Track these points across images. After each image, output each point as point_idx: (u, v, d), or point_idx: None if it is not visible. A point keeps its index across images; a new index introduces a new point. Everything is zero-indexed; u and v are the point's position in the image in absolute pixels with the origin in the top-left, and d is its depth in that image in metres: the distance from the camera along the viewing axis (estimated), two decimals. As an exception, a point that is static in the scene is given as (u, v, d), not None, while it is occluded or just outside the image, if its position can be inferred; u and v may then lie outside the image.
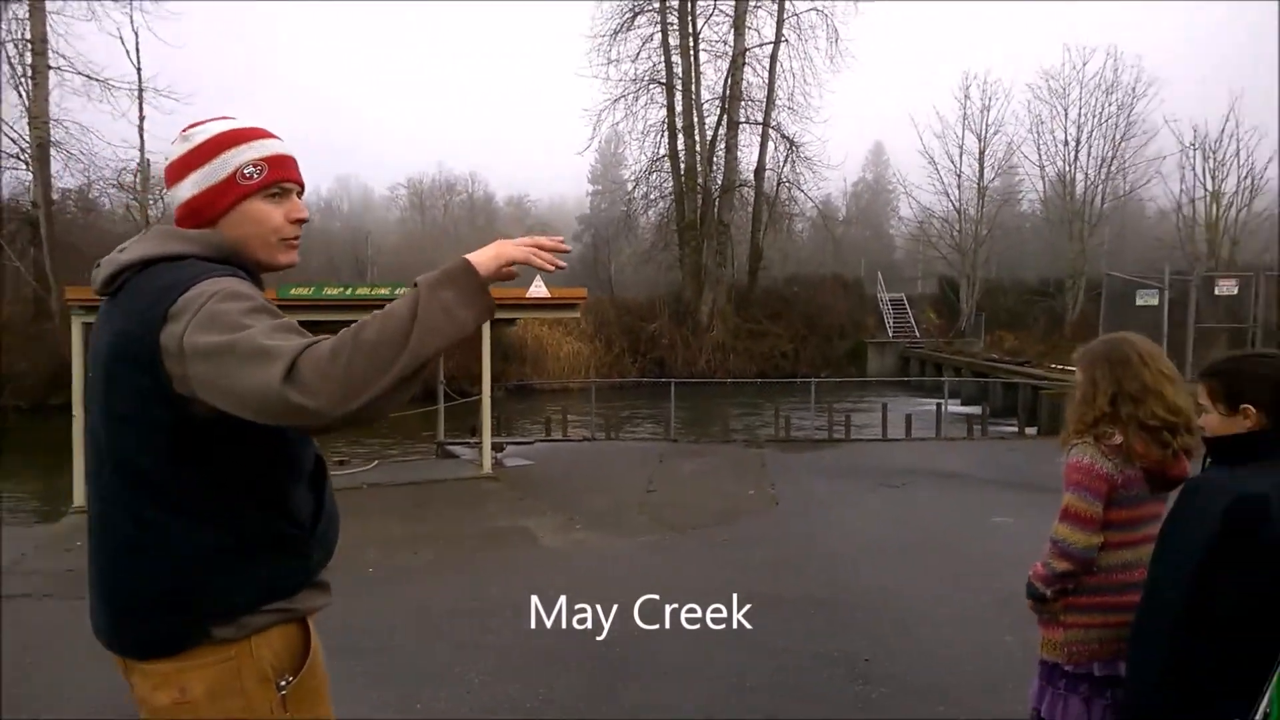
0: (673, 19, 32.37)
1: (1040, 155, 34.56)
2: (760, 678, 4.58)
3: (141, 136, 26.15)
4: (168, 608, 1.63)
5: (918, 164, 38.68)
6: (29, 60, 23.89)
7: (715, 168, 32.79)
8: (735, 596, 6.03)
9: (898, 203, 44.05)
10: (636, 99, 32.87)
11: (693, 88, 32.50)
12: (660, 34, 32.52)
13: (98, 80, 24.75)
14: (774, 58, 32.74)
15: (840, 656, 4.86)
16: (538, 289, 11.45)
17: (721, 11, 32.57)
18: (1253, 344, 16.68)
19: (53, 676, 4.82)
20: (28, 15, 23.78)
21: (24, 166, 24.71)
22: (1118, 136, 32.66)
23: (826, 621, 5.50)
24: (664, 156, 33.35)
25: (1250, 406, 2.28)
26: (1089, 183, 33.36)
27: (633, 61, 32.54)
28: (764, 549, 7.58)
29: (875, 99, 69.43)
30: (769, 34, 32.82)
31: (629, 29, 32.35)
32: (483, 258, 1.52)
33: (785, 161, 33.25)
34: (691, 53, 32.46)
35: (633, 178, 34.93)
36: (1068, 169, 33.68)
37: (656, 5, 32.30)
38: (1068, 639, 2.67)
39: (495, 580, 6.66)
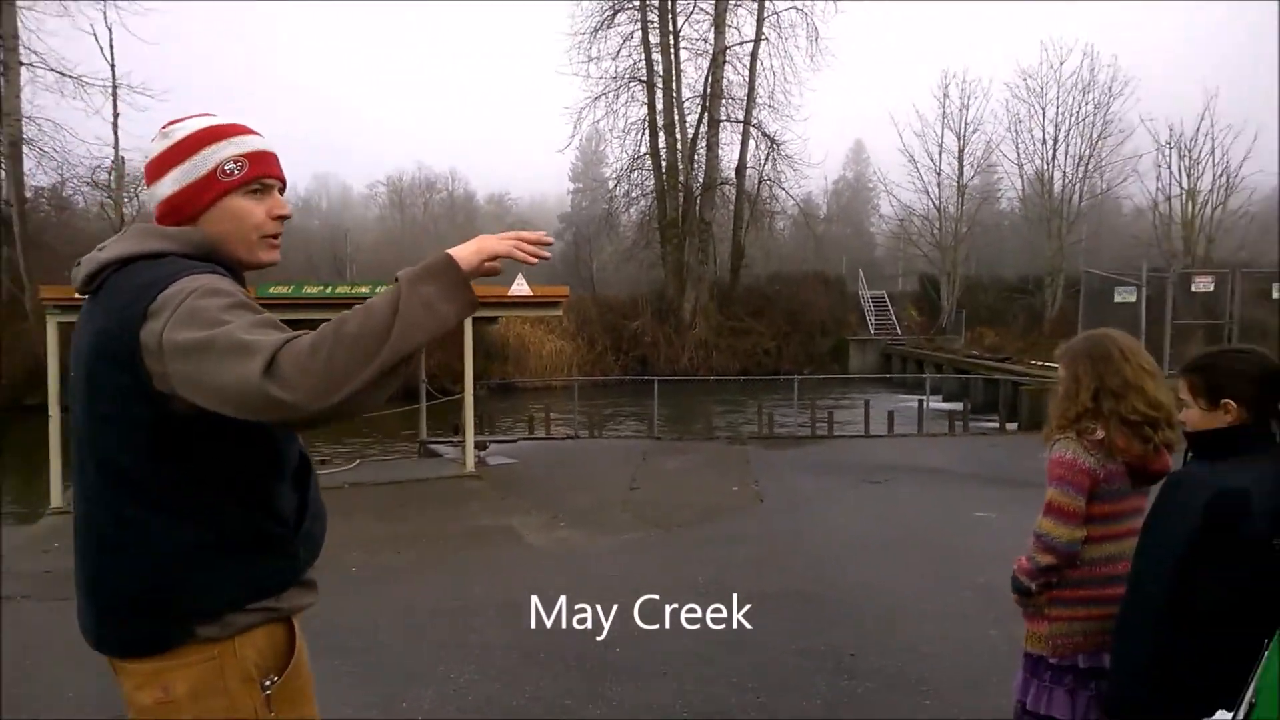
0: (653, 17, 32.38)
1: (1019, 153, 34.84)
2: (745, 673, 4.59)
3: (116, 134, 25.91)
4: (149, 606, 1.62)
5: (898, 162, 39.04)
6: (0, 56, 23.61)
7: (696, 166, 32.85)
8: (720, 593, 6.05)
9: (878, 200, 44.30)
10: (617, 97, 32.92)
11: (674, 85, 32.52)
12: (641, 32, 32.54)
13: (70, 77, 24.51)
14: (754, 56, 32.87)
15: (825, 652, 4.88)
16: (520, 287, 11.42)
17: (702, 9, 32.64)
18: (1229, 340, 16.86)
19: (29, 678, 4.77)
20: (-2, 11, 23.51)
21: (-4, 164, 24.45)
22: (1095, 135, 32.94)
23: (811, 617, 5.52)
24: (645, 154, 33.36)
25: (1231, 401, 2.30)
26: (1067, 181, 33.66)
27: (613, 59, 32.58)
28: (748, 546, 7.60)
29: (855, 97, 69.79)
30: (749, 32, 32.97)
31: (609, 26, 32.38)
32: (465, 252, 1.52)
33: (766, 159, 33.39)
34: (672, 51, 32.49)
35: (614, 176, 34.97)
36: (1046, 167, 33.94)
37: (637, 3, 32.30)
38: (1052, 632, 2.69)
39: (480, 579, 6.65)
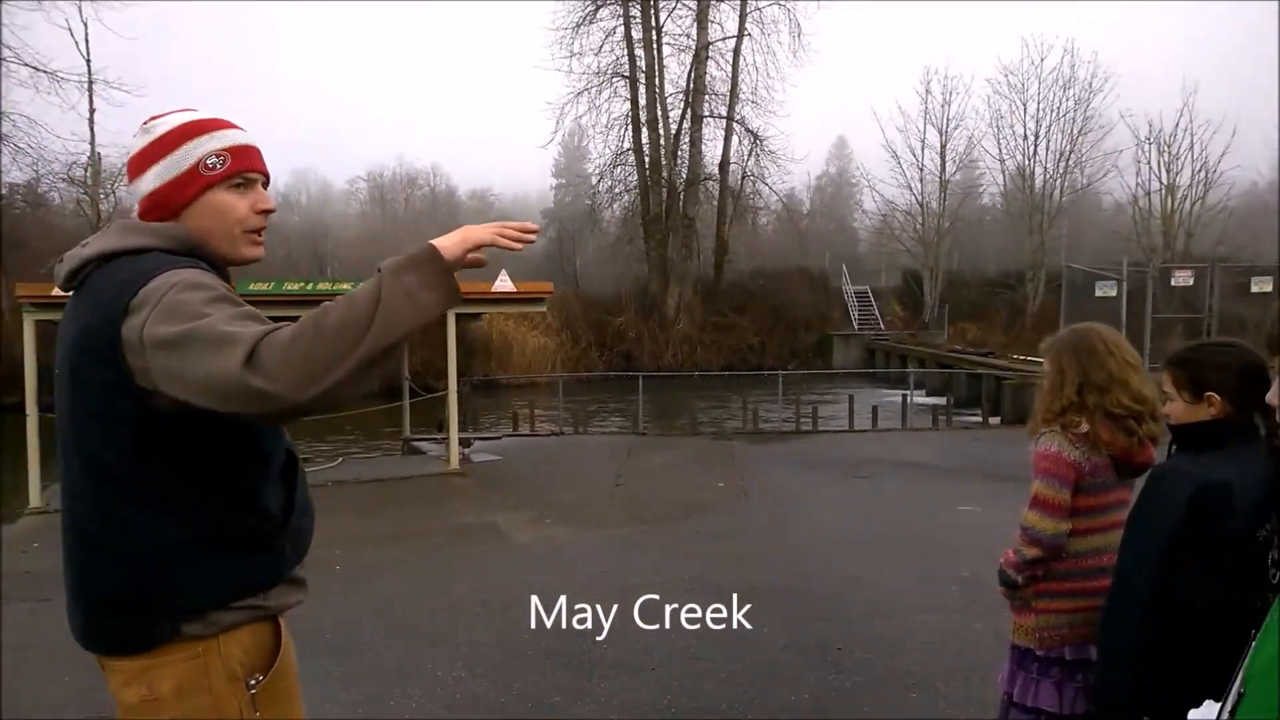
0: (635, 12, 32.35)
1: (1000, 149, 34.98)
2: (733, 668, 4.60)
3: (92, 130, 25.68)
4: (134, 604, 1.62)
5: (880, 158, 39.07)
6: (-30, 52, 23.32)
7: (680, 161, 32.87)
8: (707, 589, 6.07)
9: (861, 196, 44.33)
10: (599, 92, 32.87)
11: (656, 81, 32.51)
12: (623, 27, 32.51)
13: (45, 72, 24.20)
14: (737, 51, 32.88)
15: (812, 646, 4.90)
16: (503, 283, 11.40)
17: (684, 5, 32.61)
18: (1208, 333, 17.04)
19: (9, 679, 4.72)
20: (-32, 7, 23.21)
21: (-31, 160, 24.16)
22: (1075, 131, 33.12)
23: (798, 611, 5.53)
24: (628, 150, 33.34)
25: (1214, 394, 2.32)
26: (1048, 176, 33.82)
27: (595, 54, 32.52)
28: (734, 541, 7.62)
29: (837, 93, 69.93)
30: (731, 28, 32.98)
31: (591, 22, 32.30)
32: (448, 242, 1.51)
33: (749, 155, 33.43)
34: (654, 46, 32.46)
35: (597, 171, 34.95)
36: (1027, 163, 34.11)
37: (619, -2, 32.24)
38: (1039, 624, 2.71)
39: (466, 576, 6.63)
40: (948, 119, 35.07)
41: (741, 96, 33.03)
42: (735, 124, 33.05)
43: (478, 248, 1.53)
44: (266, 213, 1.76)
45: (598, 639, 5.11)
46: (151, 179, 1.68)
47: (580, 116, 33.80)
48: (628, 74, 32.66)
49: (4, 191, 25.14)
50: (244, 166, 1.72)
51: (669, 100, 33.02)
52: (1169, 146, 31.64)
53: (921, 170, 35.60)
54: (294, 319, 1.41)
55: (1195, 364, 2.38)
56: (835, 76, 70.08)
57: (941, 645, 4.88)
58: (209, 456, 1.62)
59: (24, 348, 9.94)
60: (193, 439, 1.58)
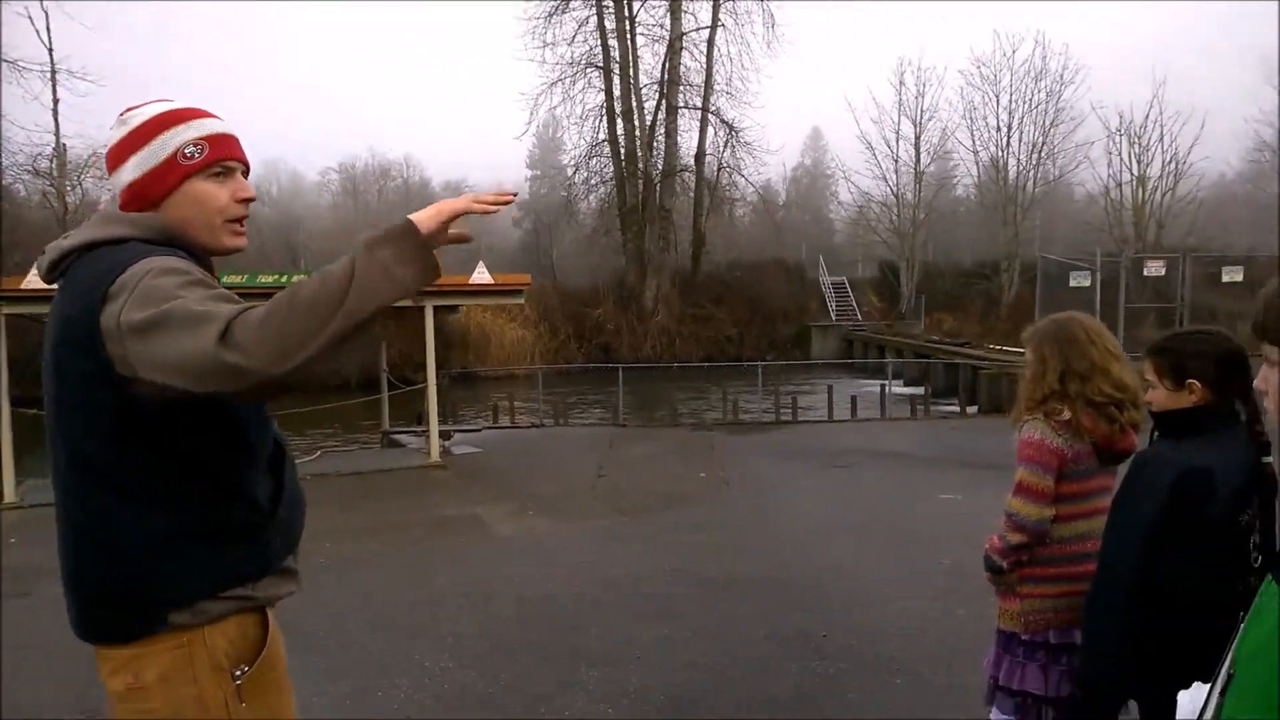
0: (608, 1, 32.17)
1: (974, 141, 35.21)
2: (718, 657, 4.63)
3: (56, 120, 25.28)
4: (121, 595, 1.63)
5: (855, 149, 39.20)
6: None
7: (655, 152, 32.80)
8: (690, 578, 6.10)
9: (836, 187, 44.55)
10: (574, 83, 32.75)
11: (631, 72, 32.39)
12: (596, 17, 32.32)
13: (6, 61, 23.82)
14: (711, 42, 32.79)
15: (795, 634, 4.94)
16: (481, 275, 11.34)
17: (658, -6, 32.48)
18: (1180, 323, 17.26)
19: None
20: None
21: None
22: (1047, 122, 33.36)
23: (781, 600, 5.57)
24: (603, 141, 33.23)
25: (1195, 382, 2.36)
26: (1021, 167, 34.06)
27: (569, 45, 32.36)
28: (717, 531, 7.65)
29: (812, 85, 70.02)
30: (705, 18, 32.88)
31: (564, 11, 32.11)
32: (423, 215, 1.50)
33: (725, 146, 33.44)
34: (628, 36, 32.33)
35: (572, 163, 34.90)
36: (1000, 154, 34.35)
37: (591, -14, 32.08)
38: (1024, 609, 2.75)
39: (449, 568, 6.63)
40: (921, 110, 35.32)
41: (716, 87, 33.05)
42: (710, 115, 33.06)
43: (454, 218, 1.51)
44: (247, 201, 1.76)
45: (582, 629, 5.13)
46: (130, 170, 1.69)
47: (555, 107, 33.74)
48: (602, 64, 32.55)
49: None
50: (222, 155, 1.72)
51: (644, 91, 32.95)
52: (1139, 138, 32.03)
53: (896, 161, 35.85)
54: None
55: (1176, 352, 2.42)
56: (809, 68, 70.10)
57: (924, 632, 4.93)
58: (192, 447, 1.62)
59: (-5, 341, 9.79)
60: (176, 429, 1.58)
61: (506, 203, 1.56)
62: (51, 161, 25.49)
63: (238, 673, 1.68)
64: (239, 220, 1.76)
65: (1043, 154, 33.71)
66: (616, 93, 32.61)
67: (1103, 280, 18.36)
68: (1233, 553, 2.29)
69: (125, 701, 1.66)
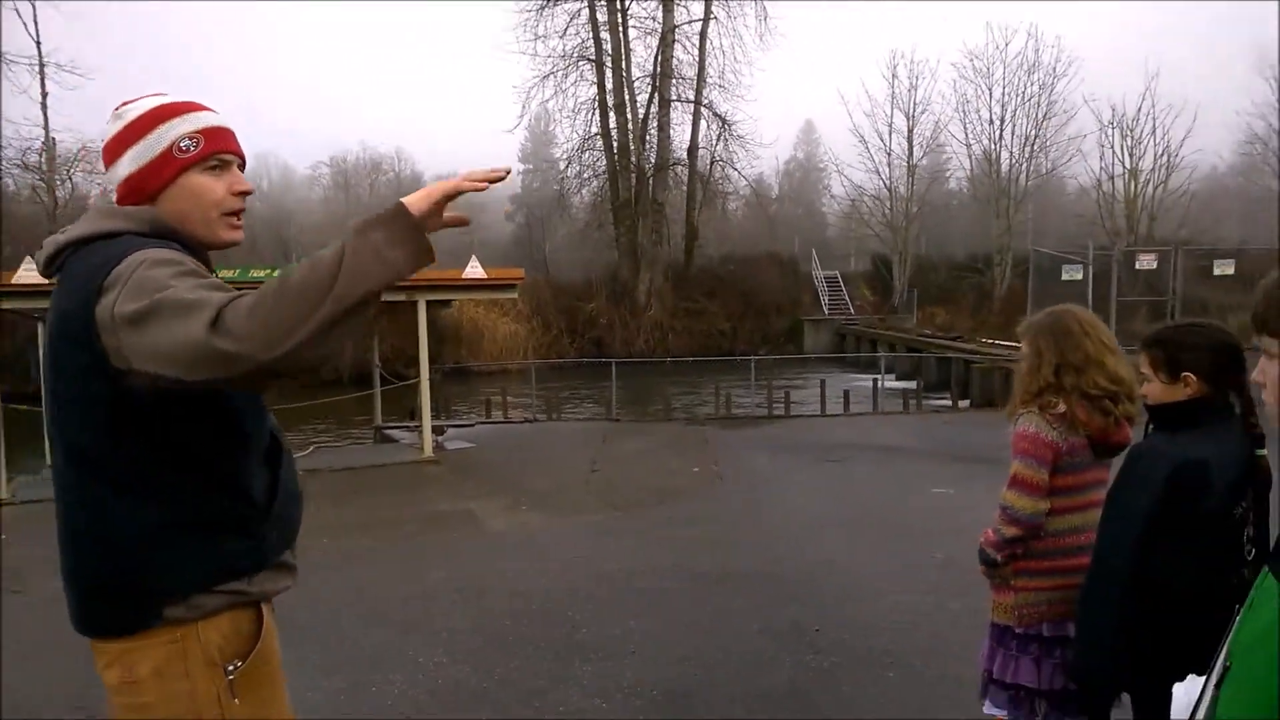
0: (600, -7, 32.09)
1: (966, 133, 35.19)
2: (714, 651, 4.63)
3: (45, 114, 25.12)
4: (117, 588, 1.64)
5: (848, 142, 39.20)
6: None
7: (648, 146, 32.76)
8: (684, 572, 6.10)
9: (829, 181, 44.48)
10: (566, 76, 32.62)
11: (623, 65, 32.31)
12: (588, 9, 32.22)
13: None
14: (704, 35, 32.77)
15: (789, 628, 4.94)
16: (474, 269, 11.31)
17: (650, -14, 32.41)
18: (1171, 316, 17.31)
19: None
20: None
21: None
22: (1040, 115, 33.38)
23: (775, 595, 5.57)
24: (596, 135, 33.16)
25: (1191, 374, 2.36)
26: (1013, 161, 34.09)
27: (561, 37, 32.23)
28: (710, 525, 7.66)
29: (805, 78, 69.92)
30: (698, 11, 32.87)
31: (556, 3, 31.99)
32: (414, 197, 1.49)
33: (718, 140, 33.42)
34: (620, 29, 32.23)
35: (565, 156, 34.74)
36: (993, 147, 34.36)
37: (583, -21, 31.98)
38: (1018, 602, 2.75)
39: (443, 563, 6.62)
40: (914, 103, 35.31)
41: (709, 81, 33.02)
42: (703, 108, 33.02)
43: (446, 199, 1.49)
44: (244, 194, 1.77)
45: (576, 623, 5.12)
46: (126, 164, 1.69)
47: (546, 101, 33.64)
48: (594, 57, 32.44)
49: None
50: (218, 148, 1.73)
51: (636, 84, 32.88)
52: (1132, 131, 32.08)
53: (889, 155, 35.82)
54: None
55: (1172, 344, 2.42)
56: (802, 60, 70.15)
57: (916, 626, 4.94)
58: (186, 438, 1.63)
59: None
60: (170, 420, 1.59)
61: (499, 179, 1.52)
62: (41, 156, 25.34)
63: (230, 668, 1.68)
64: (236, 213, 1.76)
65: (1035, 147, 33.74)
66: (609, 86, 32.54)
67: (1095, 274, 18.40)
68: (1227, 546, 2.30)
69: (119, 695, 1.67)
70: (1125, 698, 2.49)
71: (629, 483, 9.74)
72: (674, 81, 32.56)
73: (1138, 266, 19.63)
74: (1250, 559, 2.28)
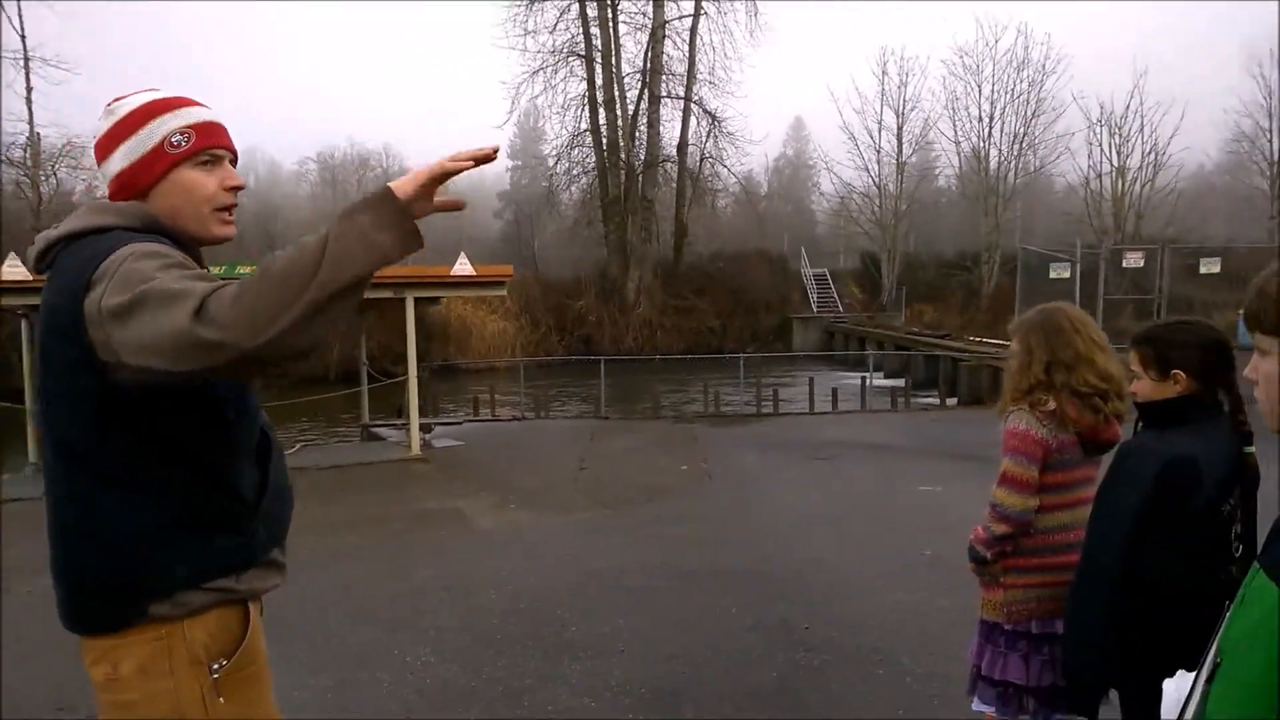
0: (590, -12, 32.02)
1: (955, 131, 35.30)
2: (703, 650, 4.63)
3: (30, 109, 24.90)
4: (101, 583, 1.64)
5: (838, 140, 39.12)
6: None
7: (638, 143, 32.73)
8: (673, 570, 6.09)
9: (818, 178, 44.58)
10: (556, 72, 32.60)
11: (613, 60, 32.29)
12: (578, 4, 32.15)
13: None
14: (694, 30, 32.74)
15: (779, 626, 4.94)
16: (463, 266, 11.28)
17: (640, -18, 32.36)
18: (1158, 314, 17.41)
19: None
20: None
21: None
22: (1029, 113, 33.52)
23: (764, 592, 5.57)
24: (585, 131, 33.11)
25: (1180, 372, 2.36)
26: (1002, 158, 34.22)
27: (550, 33, 32.20)
28: (699, 523, 7.65)
29: (794, 74, 70.03)
30: (688, 6, 32.84)
31: (546, -1, 31.91)
32: (401, 181, 1.46)
33: (708, 137, 33.43)
34: (610, 24, 32.21)
35: (554, 153, 34.70)
36: (982, 145, 34.48)
37: (573, -26, 31.91)
38: (1007, 599, 2.75)
39: (431, 562, 6.59)
40: (904, 100, 35.38)
41: (699, 77, 33.02)
42: (693, 105, 33.02)
43: (433, 181, 1.45)
44: (235, 189, 1.76)
45: (565, 622, 5.11)
46: (118, 160, 1.70)
47: (536, 97, 33.65)
48: (584, 53, 32.39)
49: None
50: (209, 143, 1.72)
51: (626, 80, 32.86)
52: (1120, 128, 32.23)
53: (878, 152, 35.89)
54: None
55: (1162, 342, 2.42)
56: (792, 57, 70.12)
57: (905, 623, 4.94)
58: (174, 433, 1.62)
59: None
60: (158, 415, 1.59)
61: (486, 156, 1.47)
62: (25, 151, 25.13)
63: (215, 667, 1.68)
64: (228, 209, 1.76)
65: (1024, 145, 33.89)
66: (598, 82, 32.52)
67: (1082, 271, 18.49)
68: (1215, 543, 2.30)
69: (105, 692, 1.68)
70: (1114, 694, 2.49)
71: (617, 481, 9.73)
72: (664, 78, 32.56)
73: (1125, 264, 19.73)
74: (1238, 556, 2.28)
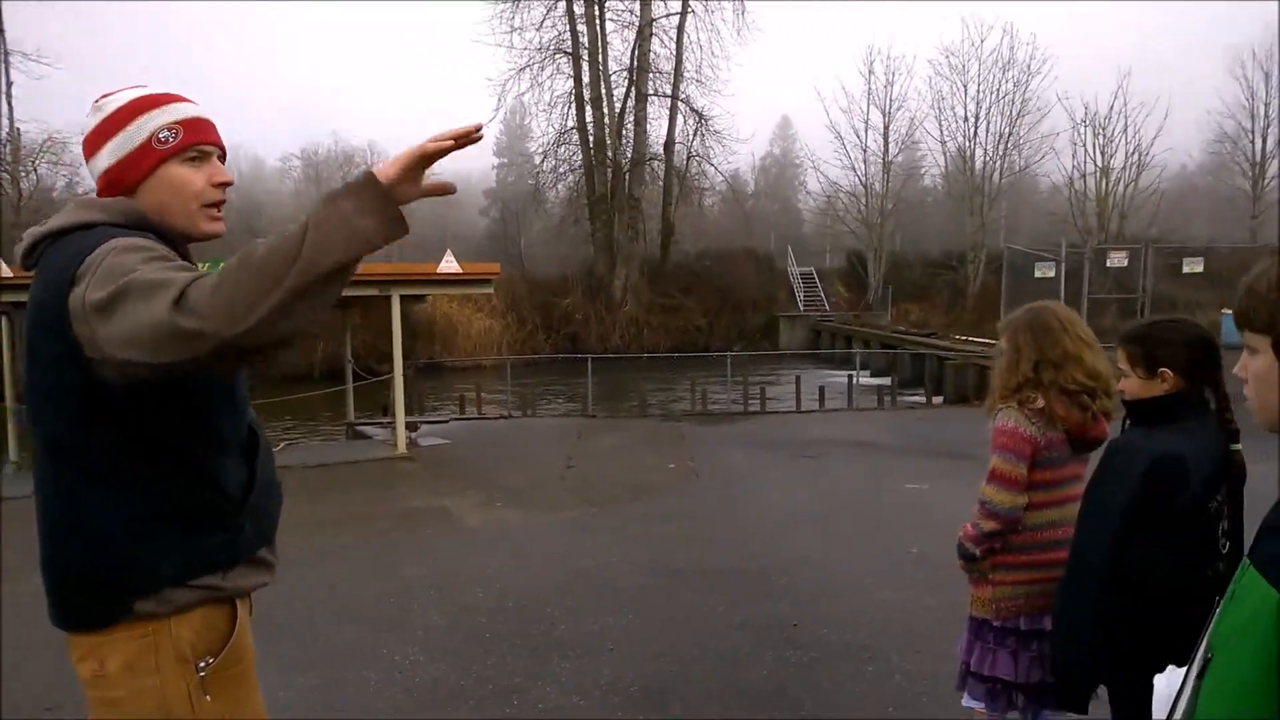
0: (578, -15, 31.94)
1: (941, 130, 35.44)
2: (691, 648, 4.63)
3: (10, 104, 24.64)
4: (87, 579, 1.64)
5: (824, 138, 39.25)
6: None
7: (625, 140, 32.70)
8: (661, 569, 6.09)
9: (805, 177, 44.68)
10: (542, 69, 32.49)
11: (600, 58, 32.21)
12: (565, 2, 32.07)
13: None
14: (681, 28, 32.70)
15: (767, 624, 4.94)
16: (449, 264, 11.24)
17: (627, -21, 32.30)
18: (1141, 313, 17.53)
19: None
20: None
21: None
22: (1014, 113, 33.67)
23: (752, 591, 5.58)
24: (572, 129, 33.02)
25: (1168, 370, 2.38)
26: (987, 158, 34.37)
27: (537, 30, 32.08)
28: (686, 521, 7.65)
29: (782, 73, 70.13)
30: (675, 5, 32.80)
31: (533, -4, 31.79)
32: (383, 165, 1.44)
33: (695, 135, 33.41)
34: (597, 21, 32.13)
35: (540, 150, 34.64)
36: (967, 144, 34.63)
37: (560, -29, 31.81)
38: (996, 596, 2.76)
39: (418, 560, 6.56)
40: (890, 100, 35.48)
41: (686, 75, 32.96)
42: (680, 103, 32.98)
43: (417, 164, 1.42)
44: (224, 185, 1.76)
45: (554, 620, 5.10)
46: (106, 156, 1.69)
47: (522, 94, 33.50)
48: (570, 50, 32.32)
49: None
50: (197, 139, 1.72)
51: (613, 78, 32.80)
52: (1104, 129, 32.40)
53: (865, 151, 35.98)
54: None
55: (1149, 340, 2.43)
56: (779, 56, 70.23)
57: (893, 620, 4.96)
58: (159, 429, 1.62)
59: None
60: (142, 410, 1.58)
61: (470, 134, 1.44)
62: (5, 147, 24.88)
63: (202, 665, 1.67)
64: (216, 205, 1.75)
65: (1009, 144, 34.04)
66: (585, 79, 32.43)
67: (1066, 271, 18.58)
68: (1202, 540, 2.31)
69: (92, 689, 1.68)
70: (1102, 691, 2.50)
71: (605, 479, 9.72)
72: (651, 76, 32.52)
73: (1109, 264, 19.85)
74: (1225, 553, 2.30)
